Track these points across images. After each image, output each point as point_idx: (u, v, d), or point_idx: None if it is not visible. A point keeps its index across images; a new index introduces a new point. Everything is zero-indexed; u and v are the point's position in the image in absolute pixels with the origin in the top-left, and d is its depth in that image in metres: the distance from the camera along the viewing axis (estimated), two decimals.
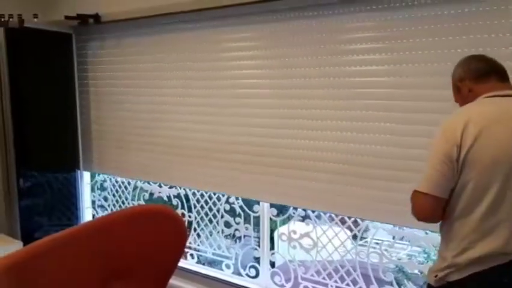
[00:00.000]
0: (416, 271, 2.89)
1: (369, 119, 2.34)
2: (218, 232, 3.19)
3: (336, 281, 2.68)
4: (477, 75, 1.59)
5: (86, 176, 3.81)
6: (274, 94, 2.66)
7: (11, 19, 3.10)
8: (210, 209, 3.18)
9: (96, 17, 3.25)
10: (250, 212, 2.98)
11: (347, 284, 2.64)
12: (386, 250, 2.54)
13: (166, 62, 3.10)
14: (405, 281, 3.17)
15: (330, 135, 2.47)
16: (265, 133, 2.71)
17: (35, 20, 3.23)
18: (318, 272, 2.78)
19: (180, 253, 1.63)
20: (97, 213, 3.73)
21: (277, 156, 2.66)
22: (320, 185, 2.52)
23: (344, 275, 2.67)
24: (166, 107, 3.16)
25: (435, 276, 1.55)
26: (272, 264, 2.97)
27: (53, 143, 3.55)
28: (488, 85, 1.55)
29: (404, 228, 2.42)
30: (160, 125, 3.19)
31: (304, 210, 2.76)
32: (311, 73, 2.50)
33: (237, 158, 2.84)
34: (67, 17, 3.25)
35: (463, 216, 1.49)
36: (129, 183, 3.52)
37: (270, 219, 2.91)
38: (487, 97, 1.53)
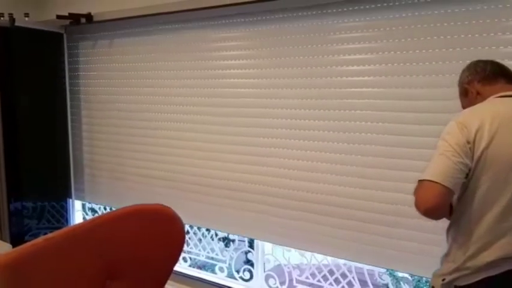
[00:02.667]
0: (406, 274, 2.87)
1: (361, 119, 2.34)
2: (211, 236, 3.15)
3: (331, 284, 2.66)
4: (485, 77, 1.57)
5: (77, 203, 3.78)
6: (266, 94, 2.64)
7: (1, 18, 3.05)
8: None
9: (88, 17, 3.21)
10: None
11: (342, 287, 2.62)
12: None
13: (160, 62, 3.06)
14: (401, 283, 3.16)
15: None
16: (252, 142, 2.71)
17: (26, 19, 3.18)
18: (312, 275, 2.75)
19: (178, 253, 1.59)
20: None
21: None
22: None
23: (339, 277, 2.65)
24: (164, 124, 3.12)
25: (443, 280, 1.51)
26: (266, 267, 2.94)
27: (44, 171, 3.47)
28: (496, 87, 1.53)
29: None
30: (156, 150, 3.16)
31: None
32: (300, 73, 2.50)
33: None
34: (58, 16, 3.20)
35: (476, 217, 1.44)
36: None
37: None
38: (497, 97, 1.50)
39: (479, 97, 1.56)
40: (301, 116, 2.52)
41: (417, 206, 1.43)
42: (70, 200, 3.65)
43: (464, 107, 1.63)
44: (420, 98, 2.16)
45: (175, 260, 1.60)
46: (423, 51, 2.14)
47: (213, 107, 2.85)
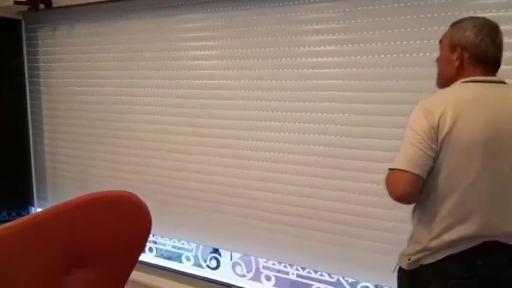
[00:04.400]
0: None
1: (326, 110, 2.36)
2: None
3: (297, 269, 2.69)
4: (479, 59, 1.51)
5: None
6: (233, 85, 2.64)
7: None
8: None
9: (47, 2, 3.12)
10: None
11: (308, 272, 2.65)
12: None
13: (125, 52, 3.00)
14: None
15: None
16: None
17: None
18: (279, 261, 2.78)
19: (145, 239, 1.58)
20: None
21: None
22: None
23: None
24: (132, 116, 3.03)
25: (409, 259, 1.55)
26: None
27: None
28: (477, 71, 1.51)
29: None
30: (125, 150, 3.09)
31: None
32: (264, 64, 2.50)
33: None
34: (16, 2, 3.09)
35: (440, 199, 1.48)
36: None
37: None
38: (465, 82, 1.51)
39: (458, 71, 1.53)
40: (266, 108, 2.53)
41: (390, 193, 1.51)
42: (33, 208, 3.52)
43: (437, 60, 1.64)
44: (394, 90, 2.18)
45: (142, 246, 1.59)
46: (392, 43, 2.16)
47: (178, 98, 2.82)
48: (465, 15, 1.63)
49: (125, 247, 1.57)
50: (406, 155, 1.46)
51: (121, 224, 1.55)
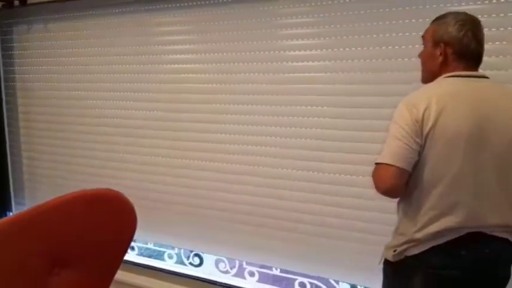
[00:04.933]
0: None
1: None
2: None
3: None
4: (462, 54, 1.53)
5: None
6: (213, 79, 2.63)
7: None
8: None
9: None
10: None
11: None
12: None
13: (102, 48, 2.96)
14: None
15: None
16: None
17: None
18: None
19: (130, 236, 1.56)
20: None
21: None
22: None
23: None
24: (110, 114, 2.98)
25: (394, 251, 1.58)
26: None
27: None
28: (460, 66, 1.54)
29: None
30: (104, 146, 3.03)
31: None
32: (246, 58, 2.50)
33: None
34: None
35: (425, 192, 1.50)
36: None
37: None
38: (449, 76, 1.54)
39: (442, 66, 1.56)
40: (244, 101, 2.53)
41: (376, 187, 1.53)
42: (10, 213, 3.43)
43: (419, 56, 1.65)
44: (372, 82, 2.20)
45: (127, 244, 1.57)
46: (374, 35, 2.18)
47: (158, 93, 2.80)
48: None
49: (110, 245, 1.55)
50: (391, 150, 1.48)
51: (106, 222, 1.53)
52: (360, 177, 2.23)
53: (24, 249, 1.36)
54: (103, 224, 1.53)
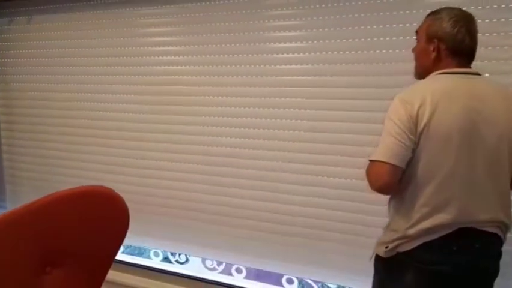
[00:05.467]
0: None
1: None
2: None
3: None
4: (456, 51, 1.55)
5: None
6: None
7: None
8: None
9: None
10: None
11: None
12: None
13: (87, 44, 2.91)
14: None
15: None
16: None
17: None
18: None
19: (123, 234, 1.54)
20: None
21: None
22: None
23: None
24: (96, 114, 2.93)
25: (386, 247, 1.59)
26: None
27: None
28: (454, 62, 1.55)
29: None
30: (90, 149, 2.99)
31: None
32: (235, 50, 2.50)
33: None
34: None
35: (418, 188, 1.51)
36: None
37: None
38: (442, 73, 1.55)
39: (435, 63, 1.57)
40: (232, 93, 2.53)
41: (370, 184, 1.54)
42: None
43: (413, 51, 1.66)
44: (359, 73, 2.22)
45: (120, 242, 1.55)
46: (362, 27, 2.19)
47: (142, 85, 2.78)
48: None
49: (102, 244, 1.54)
50: (386, 146, 1.49)
51: (98, 219, 1.51)
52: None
53: (15, 248, 1.34)
54: (95, 221, 1.51)
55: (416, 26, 1.68)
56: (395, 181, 1.52)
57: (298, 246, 2.43)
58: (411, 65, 1.70)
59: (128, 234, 1.55)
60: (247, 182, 2.53)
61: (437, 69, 1.57)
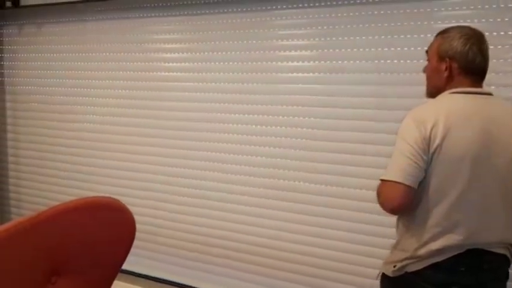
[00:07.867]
0: None
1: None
2: None
3: None
4: (468, 69, 1.53)
5: None
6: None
7: None
8: None
9: (14, 0, 3.00)
10: None
11: None
12: None
13: (95, 53, 2.94)
14: None
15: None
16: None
17: None
18: None
19: (129, 245, 1.53)
20: None
21: None
22: None
23: None
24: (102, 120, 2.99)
25: (394, 266, 1.57)
26: None
27: None
28: (466, 81, 1.54)
29: None
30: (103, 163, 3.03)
31: None
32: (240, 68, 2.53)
33: None
34: None
35: (429, 208, 1.49)
36: None
37: None
38: (455, 93, 1.53)
39: (447, 81, 1.55)
40: (234, 101, 2.58)
41: (383, 205, 1.51)
42: None
43: (425, 71, 1.64)
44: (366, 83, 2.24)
45: (126, 253, 1.54)
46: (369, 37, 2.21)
47: (147, 90, 2.83)
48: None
49: (108, 254, 1.53)
50: (399, 166, 1.46)
51: (105, 230, 1.50)
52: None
53: (21, 257, 1.33)
54: (102, 232, 1.50)
55: (426, 37, 1.67)
56: (409, 202, 1.49)
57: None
58: (420, 76, 1.69)
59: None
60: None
61: (449, 88, 1.55)
